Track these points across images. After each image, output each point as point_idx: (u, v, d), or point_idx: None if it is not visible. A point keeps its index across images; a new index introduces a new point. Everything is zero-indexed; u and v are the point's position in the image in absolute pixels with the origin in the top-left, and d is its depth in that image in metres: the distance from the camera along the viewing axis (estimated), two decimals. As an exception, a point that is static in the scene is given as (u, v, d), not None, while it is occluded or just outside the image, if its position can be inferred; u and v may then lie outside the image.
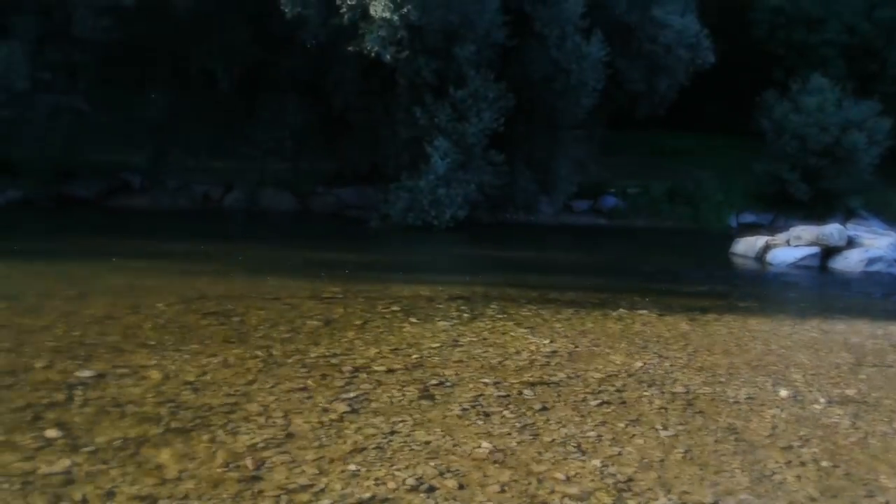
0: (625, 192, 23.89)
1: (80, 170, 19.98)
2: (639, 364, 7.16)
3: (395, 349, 7.03)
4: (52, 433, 4.61)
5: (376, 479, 4.30)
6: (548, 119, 20.62)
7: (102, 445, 4.48)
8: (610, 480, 4.55)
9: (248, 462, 4.37)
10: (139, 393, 5.39)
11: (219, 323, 7.59)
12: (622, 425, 5.49)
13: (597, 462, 4.80)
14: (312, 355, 6.61)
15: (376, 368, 6.36)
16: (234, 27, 19.87)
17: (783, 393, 6.56)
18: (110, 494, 3.91)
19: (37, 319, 7.42)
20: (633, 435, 5.32)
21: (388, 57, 17.55)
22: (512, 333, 8.00)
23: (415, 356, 6.85)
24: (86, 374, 5.73)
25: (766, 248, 16.67)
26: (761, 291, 13.56)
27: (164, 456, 4.39)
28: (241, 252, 13.27)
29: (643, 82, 22.28)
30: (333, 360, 6.49)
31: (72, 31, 19.43)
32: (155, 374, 5.81)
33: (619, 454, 4.96)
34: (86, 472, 4.14)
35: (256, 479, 4.19)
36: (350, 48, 18.08)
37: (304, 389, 5.69)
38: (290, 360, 6.41)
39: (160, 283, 9.74)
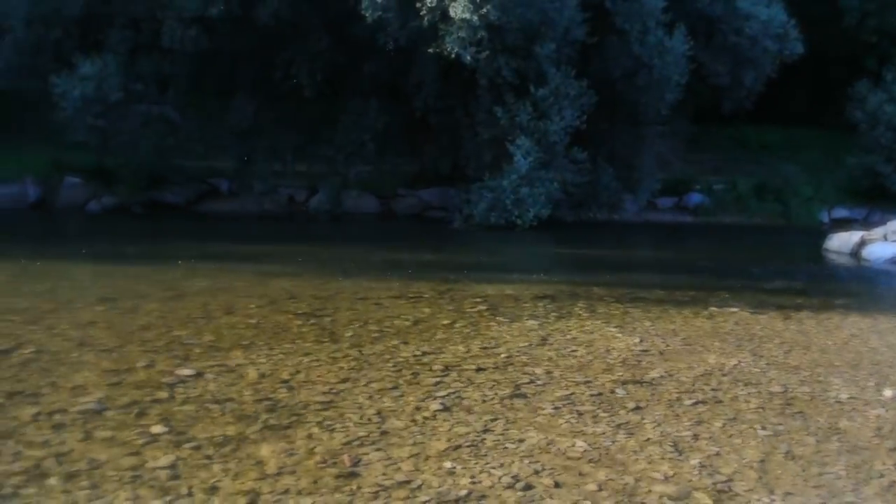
0: (710, 189, 23.40)
1: (171, 176, 20.59)
2: (733, 362, 6.99)
3: (484, 348, 7.03)
4: (156, 429, 4.75)
5: (472, 476, 4.30)
6: (630, 115, 20.37)
7: (204, 441, 4.59)
8: (709, 480, 4.45)
9: (346, 459, 4.42)
10: (237, 391, 5.51)
11: (310, 323, 7.72)
12: (719, 425, 5.36)
13: (695, 462, 4.70)
14: (403, 354, 6.66)
15: (466, 367, 6.37)
16: (316, 33, 20.20)
17: (888, 392, 6.31)
18: (214, 489, 4.00)
19: (136, 320, 7.68)
20: (731, 434, 5.20)
21: (469, 57, 17.58)
22: (601, 332, 7.92)
23: (504, 355, 6.84)
24: (185, 372, 5.89)
25: (862, 243, 16.09)
26: (858, 288, 13.11)
27: (264, 452, 4.47)
28: (326, 253, 13.50)
29: (728, 76, 21.77)
30: (424, 359, 6.53)
31: (161, 42, 20.06)
32: (251, 373, 5.94)
33: (718, 454, 4.85)
34: (190, 466, 4.25)
35: (354, 475, 4.24)
36: (430, 50, 18.18)
37: (396, 388, 5.73)
38: (381, 359, 6.47)
39: (251, 284, 9.97)
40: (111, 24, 20.59)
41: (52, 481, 4.02)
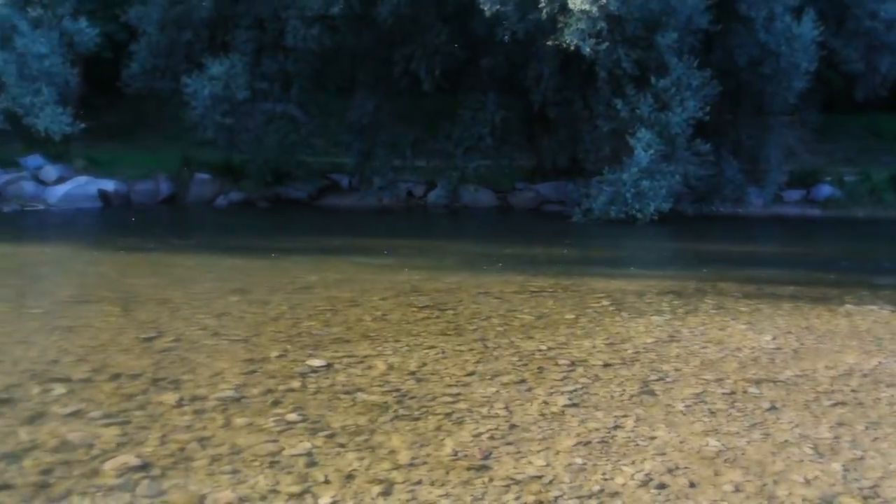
0: (841, 180, 22.39)
1: (294, 172, 21.20)
2: (873, 363, 6.66)
3: (610, 343, 6.93)
4: (291, 417, 4.89)
5: (603, 473, 4.25)
6: (756, 105, 19.75)
7: (338, 430, 4.69)
8: (854, 486, 4.25)
9: (476, 451, 4.44)
10: (366, 382, 5.62)
11: (434, 316, 7.79)
12: (861, 427, 5.12)
13: (837, 465, 4.50)
14: (528, 348, 6.64)
15: (593, 362, 6.30)
16: (435, 29, 20.38)
17: None
18: (350, 476, 4.09)
19: (267, 311, 7.93)
20: (875, 438, 4.95)
21: (588, 49, 17.39)
22: (730, 329, 7.68)
23: (630, 351, 6.72)
24: (316, 363, 6.04)
25: None
26: None
27: (396, 442, 4.54)
28: (446, 247, 13.61)
29: (861, 62, 20.79)
30: (549, 354, 6.49)
31: (285, 41, 20.67)
32: (379, 364, 6.04)
33: (862, 458, 4.63)
34: (325, 454, 4.36)
35: (485, 468, 4.25)
36: (549, 43, 18.06)
37: (522, 382, 5.72)
38: (506, 353, 6.47)
39: (374, 277, 10.16)
40: (238, 26, 21.37)
41: (197, 464, 4.19)
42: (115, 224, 17.47)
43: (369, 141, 21.23)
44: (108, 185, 19.94)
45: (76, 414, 4.88)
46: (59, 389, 5.31)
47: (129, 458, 4.24)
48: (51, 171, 19.94)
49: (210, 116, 19.89)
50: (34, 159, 20.07)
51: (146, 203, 20.27)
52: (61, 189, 19.47)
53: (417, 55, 20.57)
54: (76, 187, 19.59)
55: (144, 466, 4.15)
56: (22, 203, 18.79)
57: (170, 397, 5.21)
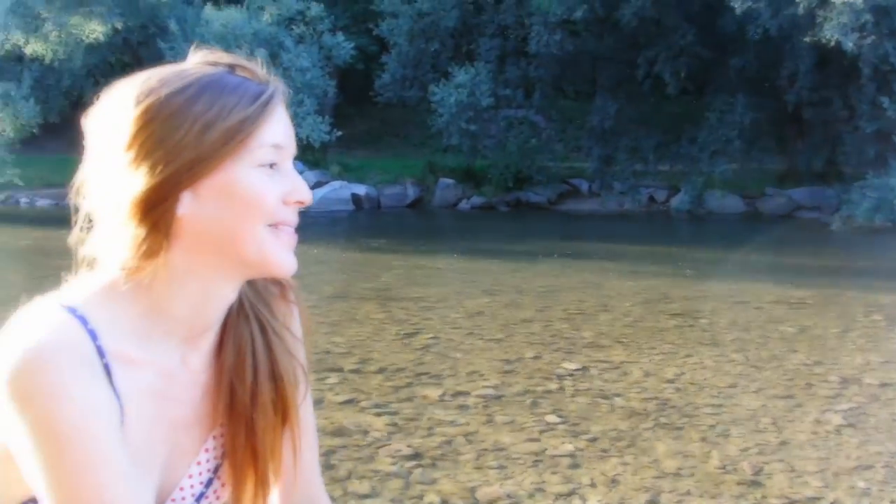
0: None
1: (534, 177, 21.42)
2: None
3: (886, 361, 6.41)
4: (551, 418, 4.93)
5: (892, 500, 3.93)
6: None
7: (599, 434, 4.68)
8: None
9: (746, 466, 4.26)
10: (623, 387, 5.56)
11: (687, 324, 7.58)
12: None
13: None
14: (792, 362, 6.28)
15: (867, 381, 5.84)
16: (680, 29, 19.85)
17: None
18: (614, 482, 4.06)
19: (517, 313, 8.07)
20: None
21: (851, 45, 16.21)
22: None
23: (910, 370, 6.18)
24: (571, 366, 6.06)
25: None
26: None
27: (659, 450, 4.45)
28: (693, 253, 13.20)
29: None
30: (816, 369, 6.10)
31: (528, 48, 20.97)
32: (635, 371, 5.96)
33: None
34: (587, 457, 4.36)
35: (756, 484, 4.06)
36: (806, 39, 17.04)
37: (790, 397, 5.41)
38: (769, 366, 6.16)
39: (620, 282, 10.04)
40: (482, 34, 21.96)
41: (464, 458, 4.34)
42: (367, 226, 18.51)
43: (610, 145, 21.02)
44: (360, 190, 21.15)
45: (349, 402, 5.21)
46: (333, 379, 5.69)
47: (400, 447, 4.46)
48: (310, 177, 21.41)
49: (455, 123, 20.57)
50: (296, 165, 21.64)
51: (394, 206, 21.28)
52: (318, 193, 20.84)
53: (661, 57, 20.13)
54: (331, 191, 20.93)
55: (416, 455, 4.35)
56: (286, 206, 20.33)
57: (433, 392, 5.42)
